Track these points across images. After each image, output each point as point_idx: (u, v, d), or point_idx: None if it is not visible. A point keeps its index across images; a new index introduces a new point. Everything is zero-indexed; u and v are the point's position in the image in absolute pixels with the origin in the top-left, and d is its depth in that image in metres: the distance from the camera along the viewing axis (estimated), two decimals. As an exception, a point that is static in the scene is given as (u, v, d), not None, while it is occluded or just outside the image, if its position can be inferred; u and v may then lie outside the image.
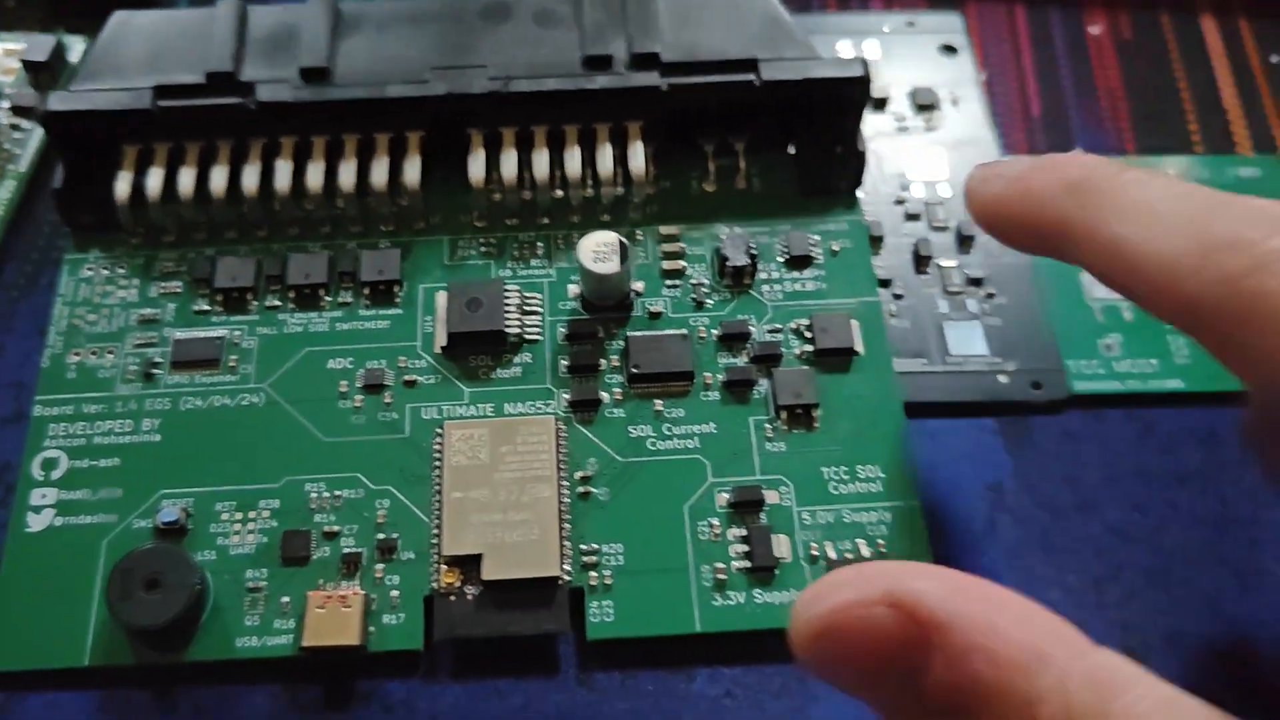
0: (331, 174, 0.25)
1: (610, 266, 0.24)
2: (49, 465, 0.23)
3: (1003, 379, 0.25)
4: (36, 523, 0.22)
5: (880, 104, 0.29)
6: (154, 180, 0.25)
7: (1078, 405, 0.25)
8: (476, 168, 0.25)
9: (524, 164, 0.26)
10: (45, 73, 0.28)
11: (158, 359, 0.24)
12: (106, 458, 0.23)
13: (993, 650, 0.14)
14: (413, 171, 0.25)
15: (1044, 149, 0.30)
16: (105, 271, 0.25)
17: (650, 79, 0.25)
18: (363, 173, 0.25)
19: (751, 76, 0.25)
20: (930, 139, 0.29)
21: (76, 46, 0.30)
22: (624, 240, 0.24)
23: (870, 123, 0.29)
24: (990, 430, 0.24)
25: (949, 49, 0.31)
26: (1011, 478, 0.24)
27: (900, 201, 0.28)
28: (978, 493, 0.23)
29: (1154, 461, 0.24)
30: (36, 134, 0.28)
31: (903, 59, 0.31)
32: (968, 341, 0.25)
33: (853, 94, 0.26)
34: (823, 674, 0.15)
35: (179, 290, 0.25)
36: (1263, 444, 0.20)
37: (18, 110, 0.25)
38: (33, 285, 0.26)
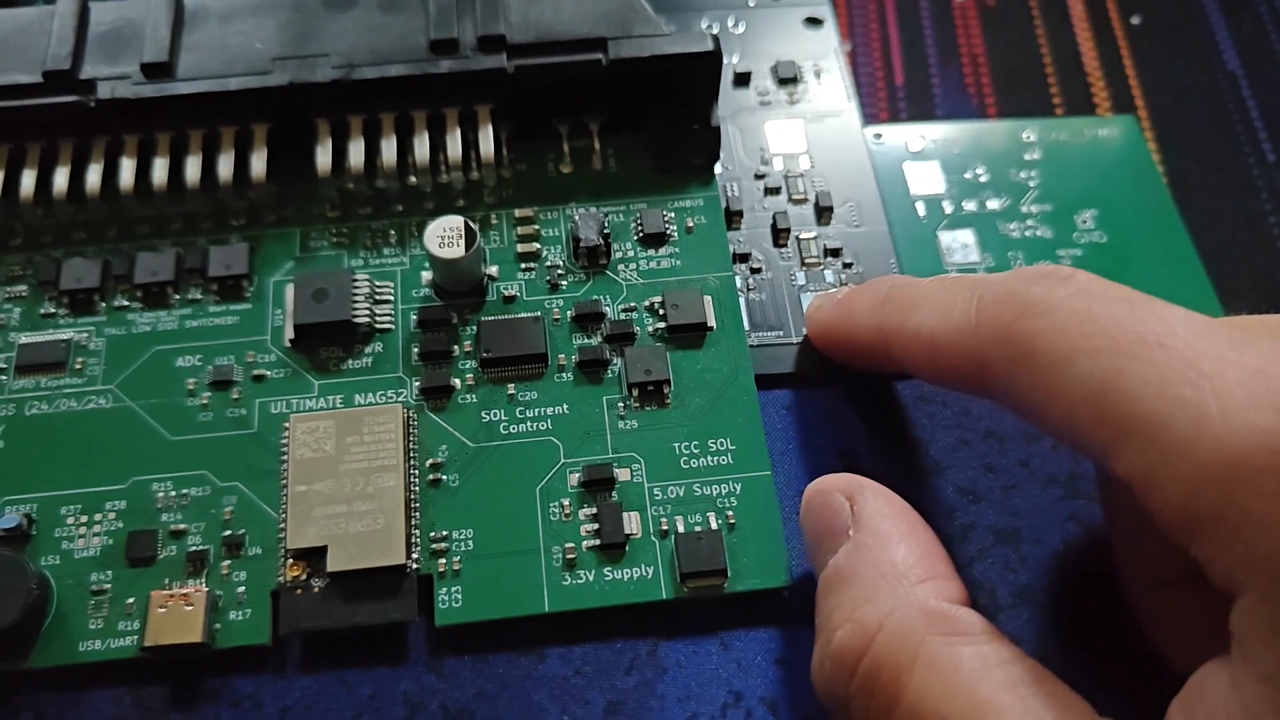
0: (178, 170, 0.25)
1: (456, 251, 0.23)
2: (-110, 477, 0.22)
3: (857, 347, 0.25)
4: (-125, 536, 0.22)
5: (743, 79, 0.29)
6: (-7, 184, 0.25)
7: (932, 370, 0.25)
8: (323, 157, 0.25)
9: (373, 152, 0.25)
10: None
11: (1, 364, 0.24)
12: (-52, 467, 0.22)
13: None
14: (258, 164, 0.25)
15: (906, 117, 0.30)
16: (-50, 278, 0.25)
17: (496, 61, 0.25)
18: (209, 167, 0.25)
19: (599, 56, 0.25)
20: (792, 112, 0.29)
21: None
22: (471, 224, 0.24)
23: (733, 98, 0.29)
24: (844, 399, 0.24)
25: (814, 21, 0.31)
26: (864, 443, 0.24)
27: (760, 176, 0.28)
28: (830, 459, 0.24)
29: (1006, 422, 0.24)
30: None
31: (767, 33, 0.31)
32: (824, 312, 0.25)
33: (704, 70, 0.26)
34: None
35: (25, 294, 0.25)
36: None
37: None
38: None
